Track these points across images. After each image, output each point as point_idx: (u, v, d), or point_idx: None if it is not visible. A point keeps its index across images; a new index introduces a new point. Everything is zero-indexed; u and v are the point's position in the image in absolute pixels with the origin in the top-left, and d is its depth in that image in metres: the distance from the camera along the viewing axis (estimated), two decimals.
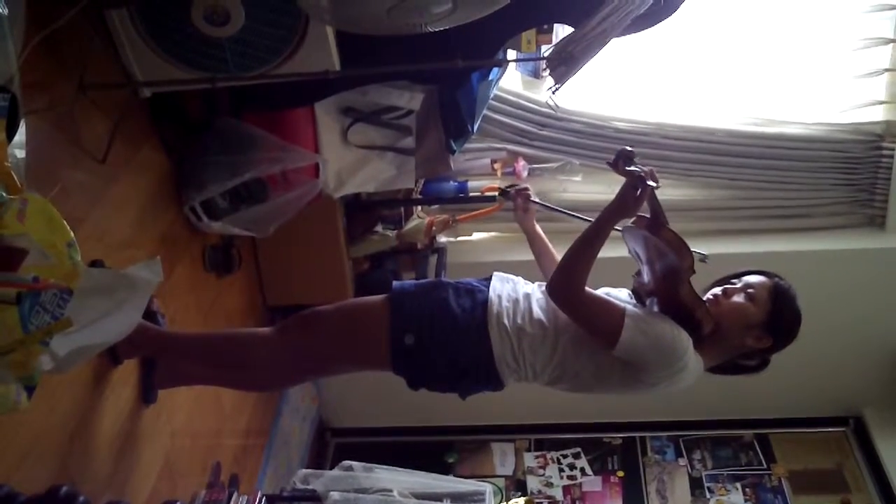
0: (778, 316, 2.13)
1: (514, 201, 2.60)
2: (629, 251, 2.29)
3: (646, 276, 2.25)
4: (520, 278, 2.40)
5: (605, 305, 2.14)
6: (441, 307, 2.25)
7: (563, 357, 2.19)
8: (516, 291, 2.30)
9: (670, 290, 2.11)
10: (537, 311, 2.23)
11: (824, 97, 3.88)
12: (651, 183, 2.03)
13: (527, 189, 2.61)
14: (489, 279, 2.35)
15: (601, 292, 2.28)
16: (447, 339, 2.22)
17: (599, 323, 2.11)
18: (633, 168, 2.05)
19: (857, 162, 3.93)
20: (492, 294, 2.27)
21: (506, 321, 2.21)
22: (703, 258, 2.23)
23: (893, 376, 4.32)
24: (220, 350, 2.51)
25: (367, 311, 2.34)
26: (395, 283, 2.39)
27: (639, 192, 2.03)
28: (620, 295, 2.30)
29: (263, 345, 2.42)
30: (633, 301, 2.27)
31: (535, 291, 2.31)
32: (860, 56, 3.75)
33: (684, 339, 2.07)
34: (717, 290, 2.21)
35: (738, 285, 2.18)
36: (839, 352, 4.21)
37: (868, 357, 4.30)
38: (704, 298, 2.17)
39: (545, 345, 2.20)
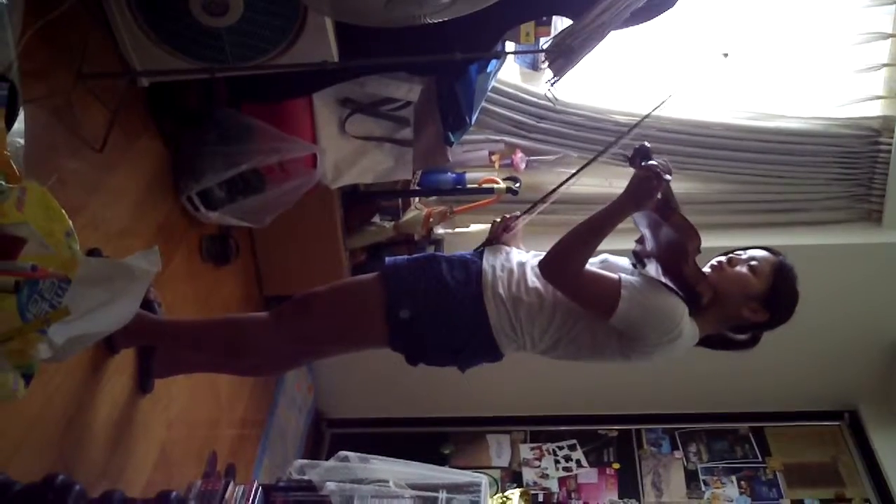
0: (777, 291, 2.16)
1: (500, 237, 2.48)
2: (634, 223, 2.30)
3: (649, 245, 2.27)
4: (512, 248, 2.40)
5: (600, 281, 2.15)
6: (435, 280, 2.26)
7: (560, 324, 2.20)
8: (510, 261, 2.31)
9: (674, 264, 2.13)
10: (532, 280, 2.23)
11: (822, 92, 3.88)
12: (667, 177, 2.06)
13: (504, 223, 2.48)
14: (482, 251, 2.36)
15: (600, 259, 2.31)
16: (443, 311, 2.23)
17: (594, 298, 2.14)
18: (650, 163, 2.07)
19: (855, 157, 3.94)
20: (485, 264, 2.28)
21: (501, 290, 2.22)
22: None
23: (888, 371, 4.33)
24: (218, 336, 2.51)
25: (362, 288, 2.35)
26: (387, 258, 2.39)
27: (653, 187, 2.05)
28: (620, 262, 2.31)
29: (261, 329, 2.43)
30: (633, 262, 2.28)
31: (529, 260, 2.31)
32: (859, 51, 3.76)
33: (680, 307, 2.10)
34: (722, 258, 2.24)
35: (743, 257, 2.21)
36: (835, 346, 4.22)
37: (863, 351, 4.30)
38: (708, 265, 2.21)
39: (542, 312, 2.20)
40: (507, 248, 2.39)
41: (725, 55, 2.37)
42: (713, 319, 2.21)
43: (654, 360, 2.19)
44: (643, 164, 2.09)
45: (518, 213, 2.52)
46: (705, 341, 2.25)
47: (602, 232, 2.13)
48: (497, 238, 2.45)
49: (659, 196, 2.11)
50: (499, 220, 2.49)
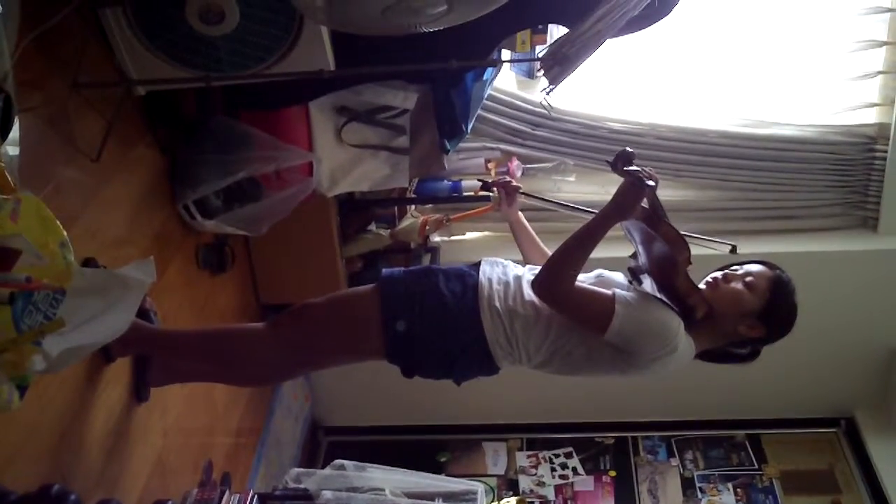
0: (774, 307, 2.15)
1: (498, 191, 2.63)
2: (626, 236, 2.30)
3: (641, 260, 2.27)
4: (509, 261, 2.40)
5: (593, 297, 2.14)
6: (431, 292, 2.25)
7: (555, 338, 2.20)
8: (506, 274, 2.31)
9: (666, 278, 2.13)
10: (528, 293, 2.23)
11: (817, 99, 3.89)
12: (650, 183, 2.05)
13: (509, 181, 2.64)
14: (478, 264, 2.36)
15: (595, 274, 2.30)
16: (439, 323, 2.22)
17: (588, 314, 2.13)
18: (632, 168, 2.06)
19: (850, 164, 3.94)
20: (482, 277, 2.28)
21: (497, 303, 2.21)
22: (733, 249, 2.38)
23: (885, 378, 4.33)
24: (215, 346, 2.50)
25: (358, 300, 2.34)
26: (384, 270, 2.39)
27: (636, 193, 2.04)
28: (615, 277, 2.31)
29: (257, 339, 2.42)
30: (629, 278, 2.27)
31: (525, 274, 2.31)
32: (853, 58, 3.76)
33: (675, 322, 2.09)
34: (718, 273, 2.23)
35: (739, 272, 2.20)
36: (831, 353, 4.22)
37: (860, 358, 4.31)
38: (704, 282, 2.20)
39: (538, 326, 2.20)
40: (503, 261, 2.39)
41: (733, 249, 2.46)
42: (710, 335, 2.20)
43: (649, 375, 2.18)
44: (625, 169, 2.08)
45: (521, 187, 2.63)
46: (704, 355, 2.24)
47: (589, 244, 2.11)
48: (495, 186, 2.64)
49: (645, 204, 2.11)
50: (506, 178, 2.67)
